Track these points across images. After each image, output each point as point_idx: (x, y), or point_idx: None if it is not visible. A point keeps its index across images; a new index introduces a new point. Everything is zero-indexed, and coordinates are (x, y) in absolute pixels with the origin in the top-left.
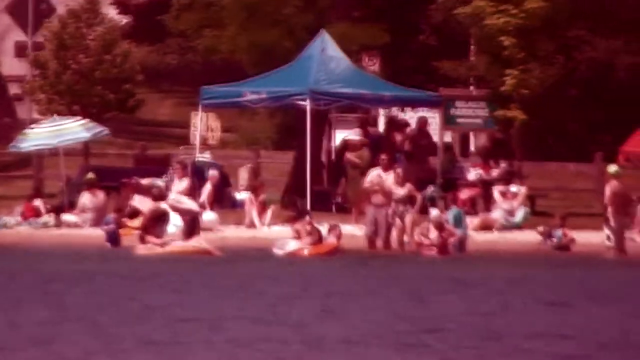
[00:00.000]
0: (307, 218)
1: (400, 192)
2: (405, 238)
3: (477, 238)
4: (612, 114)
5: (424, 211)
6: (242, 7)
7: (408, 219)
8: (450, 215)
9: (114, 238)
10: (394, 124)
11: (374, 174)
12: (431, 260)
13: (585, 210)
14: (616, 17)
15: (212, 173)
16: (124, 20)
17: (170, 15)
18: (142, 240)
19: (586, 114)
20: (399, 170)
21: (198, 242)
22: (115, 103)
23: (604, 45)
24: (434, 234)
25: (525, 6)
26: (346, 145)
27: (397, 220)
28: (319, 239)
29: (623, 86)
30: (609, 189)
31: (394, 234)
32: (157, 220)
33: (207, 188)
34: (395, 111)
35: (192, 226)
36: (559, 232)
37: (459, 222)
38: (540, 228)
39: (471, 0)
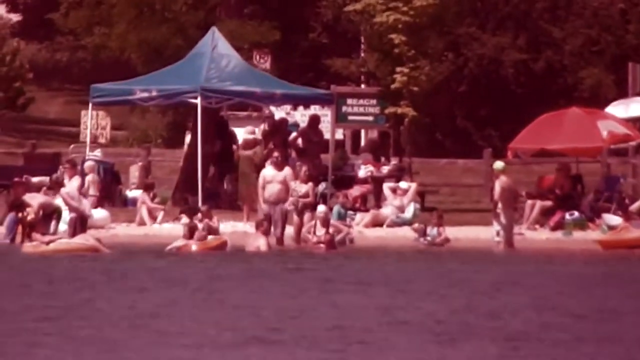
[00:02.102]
0: (199, 215)
1: (302, 188)
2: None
3: (368, 234)
4: (501, 110)
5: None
6: (132, 5)
7: (307, 216)
8: (334, 211)
9: (13, 235)
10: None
11: (266, 171)
12: (313, 256)
13: (474, 206)
14: (503, 14)
15: (88, 164)
16: (13, 18)
17: (59, 13)
18: (29, 237)
19: (475, 110)
20: (305, 167)
21: (85, 239)
22: (5, 101)
23: (492, 41)
24: (321, 230)
25: (414, 4)
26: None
27: (295, 217)
28: (209, 234)
29: (511, 82)
30: (497, 185)
31: (291, 230)
32: (45, 217)
33: (88, 179)
34: (287, 109)
35: (79, 225)
36: (434, 231)
37: (343, 218)
38: (416, 225)
39: None
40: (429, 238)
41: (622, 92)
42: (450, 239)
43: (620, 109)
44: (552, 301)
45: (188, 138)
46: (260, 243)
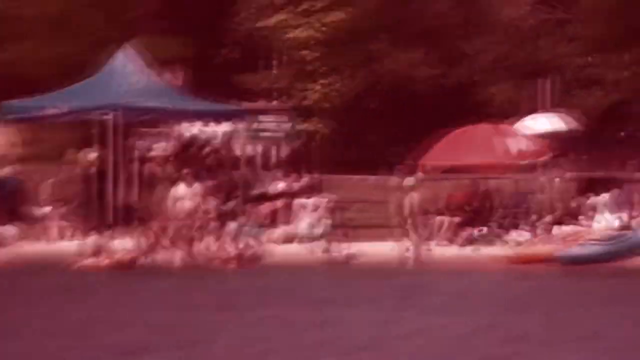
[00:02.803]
0: (109, 231)
1: (212, 205)
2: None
3: (279, 250)
4: (412, 126)
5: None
6: (46, 20)
7: (218, 232)
8: (244, 228)
9: None
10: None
11: (177, 188)
12: (224, 273)
13: (384, 222)
14: (416, 30)
15: None
16: None
17: None
18: None
19: (386, 127)
20: (215, 184)
21: None
22: None
23: (404, 57)
24: (231, 247)
25: (327, 19)
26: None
27: (206, 233)
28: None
29: (422, 98)
30: (407, 201)
31: (201, 246)
32: None
33: None
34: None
35: None
36: (339, 247)
37: (253, 235)
38: (321, 243)
39: (274, 13)
40: (334, 253)
41: (532, 108)
42: (357, 254)
43: (530, 125)
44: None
45: (90, 154)
46: (175, 258)
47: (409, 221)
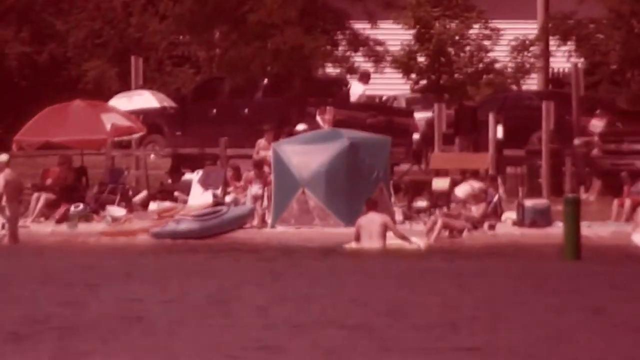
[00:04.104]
0: None
1: None
2: None
3: None
4: (4, 103)
5: None
6: None
7: None
8: None
9: None
10: None
11: None
12: None
13: None
14: (6, 6)
15: None
16: None
17: None
18: None
19: None
20: None
21: None
22: None
23: None
24: None
25: None
26: None
27: None
28: None
29: (14, 75)
30: (2, 178)
31: None
32: None
33: None
34: None
35: None
36: None
37: None
38: None
39: None
40: None
41: (125, 85)
42: None
43: (123, 102)
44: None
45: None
46: None
47: (3, 198)
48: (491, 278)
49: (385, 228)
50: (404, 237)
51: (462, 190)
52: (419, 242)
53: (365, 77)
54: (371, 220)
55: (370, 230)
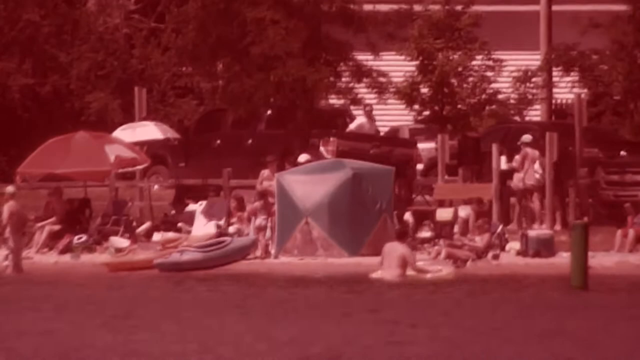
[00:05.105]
0: None
1: None
2: None
3: None
4: (7, 135)
5: None
6: None
7: None
8: None
9: None
10: None
11: None
12: None
13: None
14: (8, 38)
15: None
16: None
17: None
18: None
19: None
20: None
21: None
22: None
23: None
24: None
25: None
26: None
27: None
28: None
29: (17, 107)
30: (7, 210)
31: None
32: None
33: None
34: None
35: None
36: None
37: None
38: None
39: None
40: None
41: (128, 116)
42: None
43: (127, 133)
44: None
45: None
46: None
47: (7, 229)
48: None
49: (403, 260)
50: (421, 271)
51: (464, 212)
52: (446, 270)
53: (370, 116)
54: (393, 249)
55: (390, 259)
